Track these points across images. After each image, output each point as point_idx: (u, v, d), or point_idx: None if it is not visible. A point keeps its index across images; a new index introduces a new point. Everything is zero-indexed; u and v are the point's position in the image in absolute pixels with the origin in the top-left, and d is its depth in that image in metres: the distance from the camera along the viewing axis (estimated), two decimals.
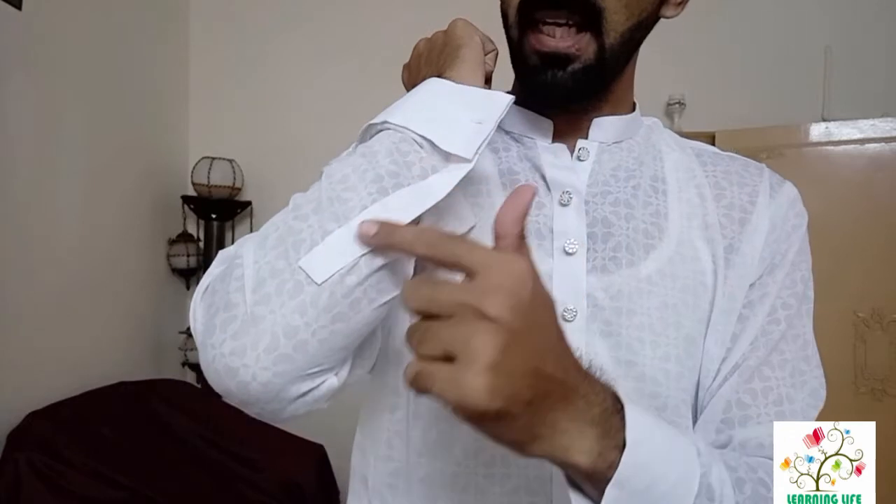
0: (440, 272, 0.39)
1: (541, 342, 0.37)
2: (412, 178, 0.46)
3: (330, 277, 0.43)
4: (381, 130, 0.49)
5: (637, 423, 0.40)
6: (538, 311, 0.37)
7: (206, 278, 0.48)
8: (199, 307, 0.47)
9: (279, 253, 0.44)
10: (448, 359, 0.34)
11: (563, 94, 0.53)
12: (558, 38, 0.52)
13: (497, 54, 0.56)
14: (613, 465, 0.39)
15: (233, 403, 0.46)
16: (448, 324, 0.35)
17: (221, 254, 0.50)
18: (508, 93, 0.64)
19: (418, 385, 0.35)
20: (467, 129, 0.47)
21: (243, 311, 0.44)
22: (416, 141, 0.47)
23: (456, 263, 0.37)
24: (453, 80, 0.50)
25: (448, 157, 0.47)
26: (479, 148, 0.47)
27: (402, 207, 0.45)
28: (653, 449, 0.41)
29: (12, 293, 1.70)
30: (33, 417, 1.64)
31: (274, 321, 0.43)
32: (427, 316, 0.36)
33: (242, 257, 0.46)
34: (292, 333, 0.43)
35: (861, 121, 1.71)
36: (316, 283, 0.43)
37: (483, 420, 0.35)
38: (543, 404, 0.37)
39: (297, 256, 0.44)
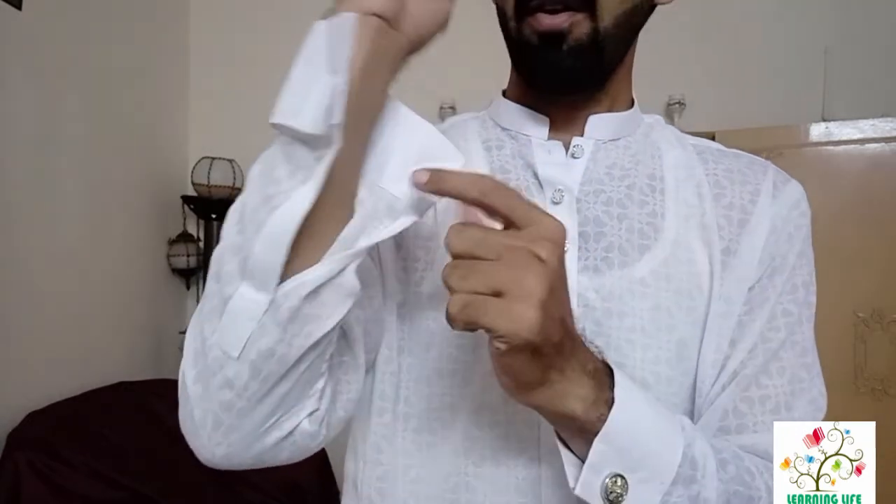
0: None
1: (566, 295, 0.41)
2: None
3: (244, 348, 0.41)
4: None
5: (625, 385, 0.44)
6: (565, 267, 0.40)
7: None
8: (179, 377, 0.46)
9: (200, 326, 0.44)
10: (493, 295, 0.37)
11: (560, 74, 0.53)
12: (554, 18, 0.52)
13: None
14: (602, 419, 0.42)
15: None
16: (496, 264, 0.37)
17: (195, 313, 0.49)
18: (504, 91, 0.64)
19: (467, 315, 0.37)
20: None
21: (189, 390, 0.44)
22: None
23: (508, 214, 0.39)
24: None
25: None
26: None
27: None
28: (639, 411, 0.44)
29: (12, 293, 1.70)
30: (33, 417, 1.65)
31: (210, 398, 0.43)
32: (466, 258, 0.38)
33: (190, 326, 0.45)
34: (229, 406, 0.43)
35: (861, 121, 1.71)
36: (234, 359, 0.41)
37: (521, 352, 0.38)
38: (562, 350, 0.40)
39: (212, 329, 0.42)
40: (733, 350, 0.54)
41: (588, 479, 0.43)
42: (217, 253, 0.43)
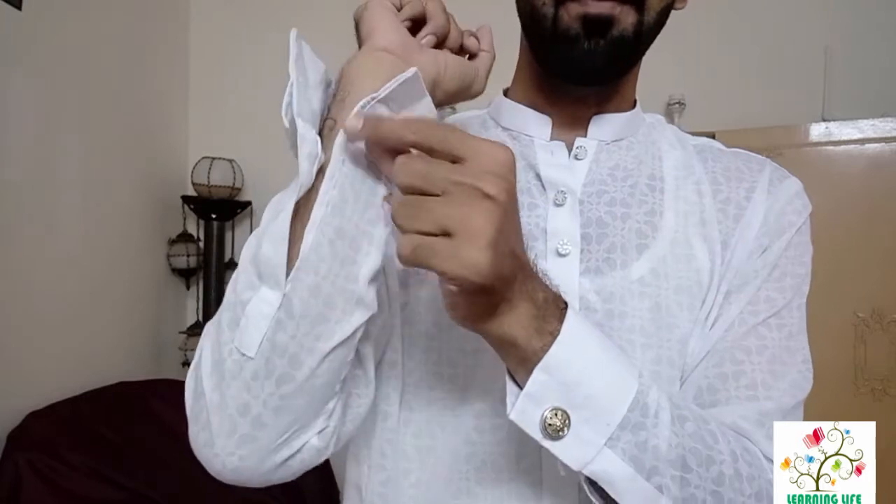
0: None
1: (517, 225, 0.40)
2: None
3: (260, 345, 0.42)
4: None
5: (577, 322, 0.42)
6: (516, 197, 0.39)
7: (195, 354, 0.48)
8: (187, 390, 0.47)
9: (218, 335, 0.45)
10: (442, 235, 0.36)
11: (599, 64, 0.52)
12: (600, 4, 0.50)
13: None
14: (545, 349, 0.41)
15: None
16: (443, 201, 0.36)
17: (207, 326, 0.49)
18: (506, 90, 0.64)
19: (416, 257, 0.36)
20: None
21: (207, 399, 0.44)
22: None
23: (449, 150, 0.38)
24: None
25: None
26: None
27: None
28: (587, 347, 0.42)
29: (12, 293, 1.70)
30: (33, 417, 1.64)
31: (227, 404, 0.43)
32: (414, 193, 0.37)
33: (204, 338, 0.46)
34: (245, 411, 0.43)
35: (861, 121, 1.71)
36: (251, 358, 0.42)
37: (470, 293, 0.38)
38: (513, 282, 0.39)
39: (232, 336, 0.43)
40: (711, 330, 0.54)
41: (525, 408, 0.41)
42: (236, 272, 0.45)
